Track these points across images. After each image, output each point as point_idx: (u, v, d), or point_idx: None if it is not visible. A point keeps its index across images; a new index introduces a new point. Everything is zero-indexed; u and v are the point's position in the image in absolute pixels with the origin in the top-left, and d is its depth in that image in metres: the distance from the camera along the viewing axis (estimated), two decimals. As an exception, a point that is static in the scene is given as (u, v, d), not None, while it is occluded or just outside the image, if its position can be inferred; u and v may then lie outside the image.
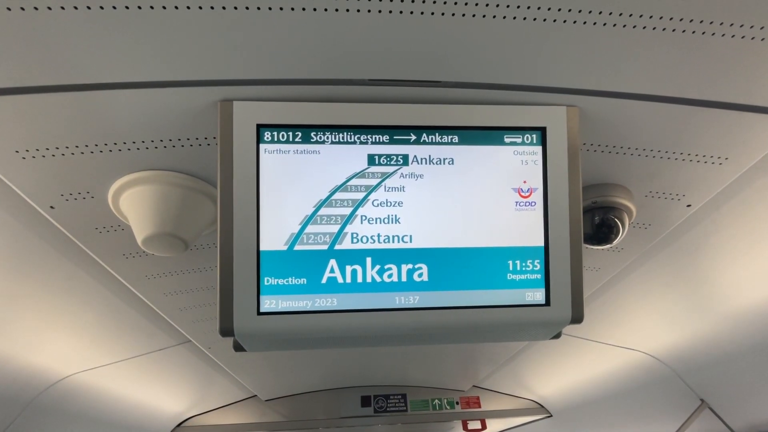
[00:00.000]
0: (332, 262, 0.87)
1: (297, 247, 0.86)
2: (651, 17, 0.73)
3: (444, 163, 0.89)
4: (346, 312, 0.87)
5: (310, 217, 0.87)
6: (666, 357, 1.98)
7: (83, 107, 0.82)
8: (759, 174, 1.07)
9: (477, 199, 0.90)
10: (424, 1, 0.70)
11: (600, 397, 2.54)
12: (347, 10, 0.71)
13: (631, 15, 0.73)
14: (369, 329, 0.89)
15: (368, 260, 0.88)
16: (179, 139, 0.92)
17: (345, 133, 0.87)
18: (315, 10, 0.70)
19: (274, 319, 0.86)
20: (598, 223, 1.10)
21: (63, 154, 0.89)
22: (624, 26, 0.75)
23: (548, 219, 0.91)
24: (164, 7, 0.68)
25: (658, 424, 2.39)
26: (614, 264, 1.42)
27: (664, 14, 0.73)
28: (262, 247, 0.85)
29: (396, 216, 0.89)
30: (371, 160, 0.88)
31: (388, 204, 0.88)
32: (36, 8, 0.66)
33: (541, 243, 0.91)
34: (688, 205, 1.14)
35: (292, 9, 0.70)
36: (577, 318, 0.92)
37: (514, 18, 0.73)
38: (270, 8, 0.70)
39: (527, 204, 0.91)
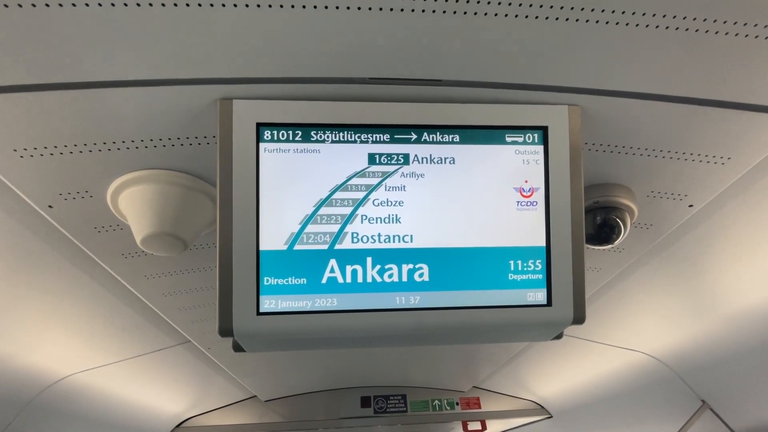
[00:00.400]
0: (332, 262, 0.86)
1: (297, 247, 0.86)
2: (654, 15, 0.73)
3: (445, 163, 0.89)
4: (347, 312, 0.87)
5: (310, 217, 0.86)
6: (667, 358, 1.98)
7: (82, 105, 0.81)
8: (761, 174, 1.06)
9: (478, 198, 0.89)
10: (425, 0, 0.70)
11: (600, 398, 2.53)
12: (348, 8, 0.70)
13: (633, 13, 0.72)
14: (369, 330, 0.88)
15: (369, 260, 0.87)
16: (178, 138, 0.91)
17: (345, 132, 0.87)
18: (315, 7, 0.70)
19: (274, 320, 0.85)
20: (600, 223, 1.10)
21: (61, 153, 0.89)
22: (627, 24, 0.74)
23: (550, 219, 0.90)
24: (163, 5, 0.68)
25: (658, 425, 2.38)
26: (615, 264, 1.41)
27: (667, 13, 0.72)
28: (261, 247, 0.85)
29: (396, 215, 0.88)
30: (372, 159, 0.87)
31: (389, 203, 0.88)
32: (33, 5, 0.65)
33: (543, 243, 0.90)
34: (690, 206, 1.14)
35: (293, 6, 0.69)
36: (578, 318, 0.91)
37: (516, 16, 0.73)
38: (270, 6, 0.69)
39: (529, 204, 0.90)
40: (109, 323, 1.60)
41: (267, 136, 0.85)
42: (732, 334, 1.66)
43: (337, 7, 0.70)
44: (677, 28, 0.74)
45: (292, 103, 0.85)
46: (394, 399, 3.01)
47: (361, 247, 0.87)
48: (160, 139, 0.91)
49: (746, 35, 0.75)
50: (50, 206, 1.00)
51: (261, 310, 0.85)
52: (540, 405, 3.05)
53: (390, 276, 0.88)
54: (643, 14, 0.73)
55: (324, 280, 0.86)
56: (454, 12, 0.72)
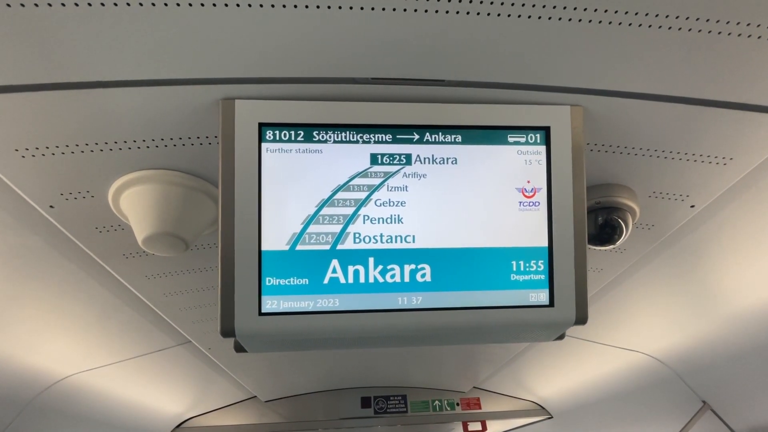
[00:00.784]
0: (334, 262, 0.86)
1: (299, 247, 0.86)
2: (656, 16, 0.73)
3: (447, 163, 0.89)
4: (349, 313, 0.86)
5: (312, 217, 0.86)
6: (668, 358, 1.98)
7: (83, 105, 0.81)
8: (763, 174, 1.06)
9: (480, 199, 0.89)
10: (427, 0, 0.70)
11: (601, 398, 2.53)
12: (350, 8, 0.70)
13: (636, 14, 0.72)
14: (371, 330, 0.88)
15: (371, 260, 0.87)
16: (180, 138, 0.91)
17: (347, 132, 0.86)
18: (318, 7, 0.70)
19: (276, 320, 0.85)
20: (602, 224, 1.09)
21: (63, 153, 0.89)
22: (629, 25, 0.74)
23: (552, 219, 0.90)
24: (166, 4, 0.67)
25: (659, 426, 2.38)
26: (617, 265, 1.41)
27: (670, 13, 0.72)
28: (263, 247, 0.85)
29: (399, 216, 0.88)
30: (374, 159, 0.87)
31: (391, 204, 0.88)
32: (36, 5, 0.65)
33: (545, 243, 0.90)
34: (692, 206, 1.14)
35: (295, 6, 0.69)
36: (581, 319, 0.91)
37: (519, 16, 0.73)
38: (273, 5, 0.69)
39: (531, 204, 0.90)
40: (109, 323, 1.60)
41: (269, 136, 0.85)
42: (733, 334, 1.66)
43: (340, 7, 0.70)
44: (680, 29, 0.74)
45: (294, 103, 0.85)
46: (395, 399, 3.01)
47: (364, 248, 0.87)
48: (162, 139, 0.91)
49: (749, 35, 0.75)
50: (51, 206, 1.00)
51: (263, 311, 0.84)
52: (540, 405, 3.04)
53: (392, 276, 0.87)
54: (646, 14, 0.72)
55: (326, 281, 0.86)
56: (457, 12, 0.72)
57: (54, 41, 0.70)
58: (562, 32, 0.75)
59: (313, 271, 0.86)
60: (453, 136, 0.89)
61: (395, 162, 0.88)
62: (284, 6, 0.69)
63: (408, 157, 0.88)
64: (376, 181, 0.87)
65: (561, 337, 1.02)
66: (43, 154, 0.88)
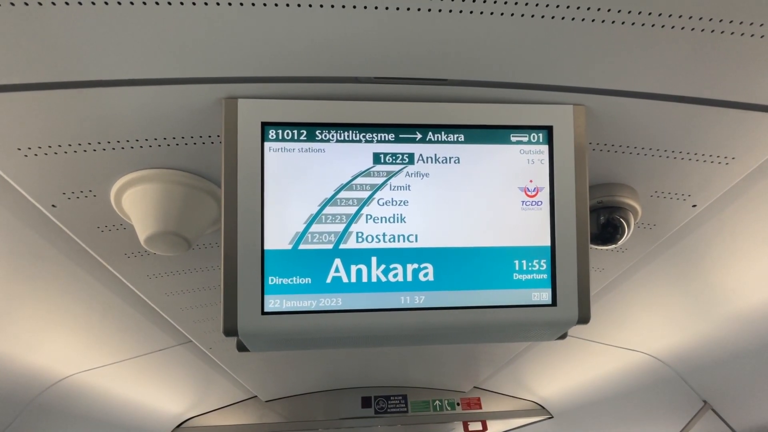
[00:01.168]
0: (337, 262, 0.86)
1: (302, 247, 0.86)
2: (660, 15, 0.73)
3: (450, 162, 0.89)
4: (351, 312, 0.86)
5: (315, 216, 0.86)
6: (669, 358, 1.98)
7: (86, 105, 0.81)
8: (765, 174, 1.06)
9: (483, 198, 0.89)
10: None
11: (602, 398, 2.53)
12: (354, 7, 0.70)
13: (639, 13, 0.72)
14: (374, 329, 0.88)
15: (373, 260, 0.87)
16: (183, 137, 0.91)
17: (350, 132, 0.86)
18: (321, 6, 0.70)
19: (279, 319, 0.85)
20: (604, 223, 1.09)
21: (65, 152, 0.89)
22: (632, 24, 0.74)
23: (555, 218, 0.90)
24: (170, 3, 0.67)
25: (660, 425, 2.38)
26: (618, 264, 1.41)
27: (673, 12, 0.72)
28: (266, 246, 0.85)
29: (401, 215, 0.88)
30: (377, 158, 0.87)
31: (394, 203, 0.88)
32: (40, 3, 0.65)
33: (548, 243, 0.90)
34: (694, 206, 1.14)
35: (299, 5, 0.69)
36: (583, 318, 0.91)
37: (522, 15, 0.73)
38: (276, 4, 0.69)
39: (533, 203, 0.90)
40: (110, 323, 1.60)
41: (272, 136, 0.85)
42: (734, 334, 1.66)
43: (344, 6, 0.70)
44: (683, 28, 0.74)
45: (297, 102, 0.85)
46: (395, 399, 3.01)
47: (366, 247, 0.87)
48: (165, 139, 0.91)
49: (752, 35, 0.75)
50: (54, 206, 1.00)
51: (265, 310, 0.84)
52: (541, 405, 3.05)
53: (395, 276, 0.87)
54: (649, 14, 0.72)
55: (329, 280, 0.86)
56: (460, 11, 0.72)
57: (57, 40, 0.70)
58: (564, 31, 0.75)
59: (315, 270, 0.86)
60: (456, 136, 0.89)
61: (398, 161, 0.88)
62: (288, 5, 0.69)
63: (411, 156, 0.88)
64: (379, 181, 0.87)
65: (563, 336, 1.02)
66: (46, 153, 0.88)
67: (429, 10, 0.71)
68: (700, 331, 1.73)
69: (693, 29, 0.74)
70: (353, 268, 0.87)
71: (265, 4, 0.69)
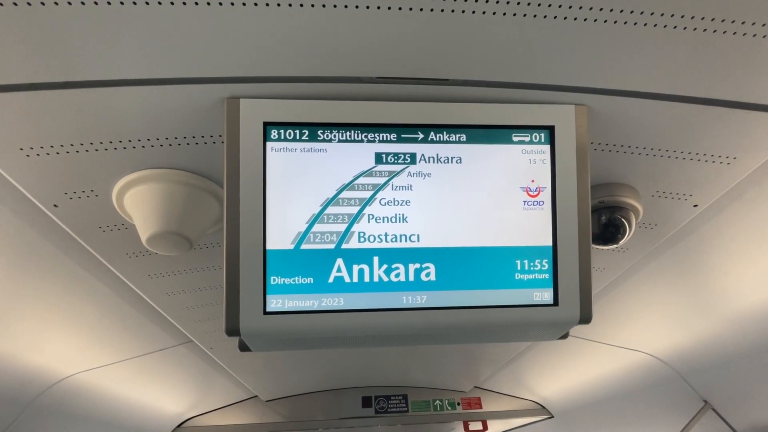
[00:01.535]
0: (339, 262, 0.86)
1: (304, 246, 0.86)
2: (662, 15, 0.73)
3: (452, 162, 0.89)
4: (353, 312, 0.86)
5: (317, 216, 0.86)
6: (669, 358, 1.98)
7: (88, 104, 0.81)
8: (766, 174, 1.06)
9: (484, 198, 0.89)
10: None
11: (602, 398, 2.53)
12: (356, 7, 0.70)
13: (642, 12, 0.72)
14: (376, 329, 0.88)
15: (375, 259, 0.87)
16: (185, 137, 0.91)
17: (352, 132, 0.87)
18: (324, 6, 0.70)
19: (281, 319, 0.85)
20: (605, 223, 1.10)
21: (67, 152, 0.89)
22: (635, 24, 0.74)
23: (556, 218, 0.90)
24: (172, 3, 0.67)
25: (660, 425, 2.38)
26: (619, 264, 1.42)
27: (675, 12, 0.72)
28: (268, 246, 0.85)
29: (403, 215, 0.88)
30: (378, 158, 0.87)
31: (396, 203, 0.88)
32: (43, 3, 0.65)
33: (550, 243, 0.90)
34: (695, 205, 1.14)
35: (301, 5, 0.69)
36: (585, 318, 0.91)
37: (524, 15, 0.73)
38: (279, 4, 0.69)
39: (535, 203, 0.90)
40: (111, 322, 1.60)
41: (274, 136, 0.85)
42: (735, 334, 1.66)
43: (346, 6, 0.70)
44: (685, 28, 0.74)
45: (299, 102, 0.85)
46: (395, 399, 3.01)
47: (368, 247, 0.87)
48: (167, 138, 0.91)
49: (754, 35, 0.75)
50: (55, 205, 1.00)
51: (268, 310, 0.85)
52: (541, 405, 3.05)
53: (397, 275, 0.88)
54: (651, 13, 0.73)
55: (331, 280, 0.86)
56: (462, 11, 0.72)
57: (59, 40, 0.70)
58: (566, 31, 0.75)
59: (317, 270, 0.86)
60: (458, 136, 0.89)
61: (400, 161, 0.88)
62: (290, 5, 0.69)
63: (413, 156, 0.88)
64: (381, 180, 0.87)
65: (565, 336, 1.02)
66: (48, 153, 0.88)
67: (431, 10, 0.71)
68: (700, 330, 1.73)
69: (695, 29, 0.74)
70: (355, 268, 0.87)
71: (267, 4, 0.69)
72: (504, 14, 0.72)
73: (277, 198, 0.85)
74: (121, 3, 0.67)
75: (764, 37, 0.75)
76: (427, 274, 0.88)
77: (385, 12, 0.71)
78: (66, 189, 0.97)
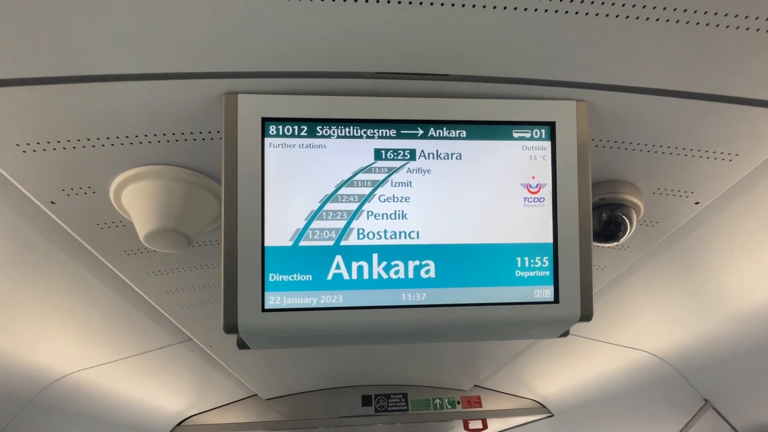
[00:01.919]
0: (338, 258, 0.86)
1: (302, 243, 0.85)
2: (664, 9, 0.72)
3: (451, 158, 0.88)
4: (352, 309, 0.86)
5: (316, 213, 0.85)
6: (670, 357, 1.97)
7: (84, 99, 0.80)
8: (769, 171, 1.05)
9: (485, 194, 0.89)
10: None
11: (602, 396, 2.53)
12: (355, 1, 0.69)
13: (644, 7, 0.72)
14: (375, 326, 0.87)
15: (374, 256, 0.87)
16: (182, 133, 0.90)
17: (351, 128, 0.86)
18: (323, 0, 0.69)
19: (279, 316, 0.84)
20: (606, 220, 1.09)
21: (64, 148, 0.88)
22: (636, 18, 0.73)
23: (557, 215, 0.89)
24: (169, -3, 0.67)
25: (661, 424, 2.37)
26: (619, 262, 1.41)
27: (678, 6, 0.72)
28: (266, 243, 0.84)
29: (403, 212, 0.87)
30: (378, 154, 0.87)
31: (395, 199, 0.87)
32: None
33: (550, 240, 0.90)
34: (697, 203, 1.13)
35: (299, -1, 0.69)
36: (586, 316, 0.90)
37: (525, 9, 0.72)
38: (277, -2, 0.68)
39: (536, 200, 0.90)
40: (110, 321, 1.59)
41: (272, 131, 0.84)
42: (736, 332, 1.66)
43: (345, 0, 0.69)
44: (687, 22, 0.74)
45: (297, 97, 0.84)
46: (395, 398, 3.00)
47: (367, 244, 0.86)
48: (164, 134, 0.90)
49: (757, 29, 0.74)
50: (52, 202, 0.99)
51: (266, 307, 0.84)
52: (541, 404, 3.04)
53: (396, 273, 0.87)
54: (654, 8, 0.72)
55: (329, 277, 0.86)
56: (462, 5, 0.71)
57: (55, 34, 0.69)
58: (567, 26, 0.75)
59: (316, 267, 0.85)
60: (458, 132, 0.88)
61: (399, 157, 0.87)
62: (288, 0, 0.69)
63: (412, 152, 0.87)
64: (380, 177, 0.87)
65: (565, 333, 1.02)
66: (44, 149, 0.87)
67: (431, 3, 0.70)
68: (701, 329, 1.72)
69: (698, 23, 0.74)
70: (354, 265, 0.86)
71: None
72: (504, 8, 0.72)
73: (276, 194, 0.84)
74: None
75: (767, 31, 0.75)
76: (427, 272, 0.88)
77: (384, 6, 0.70)
78: (63, 185, 0.96)
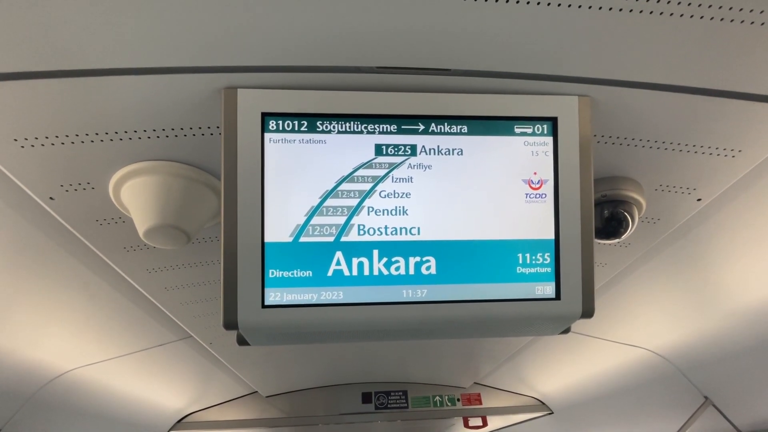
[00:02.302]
0: (338, 255, 0.85)
1: (302, 239, 0.85)
2: (668, 2, 0.71)
3: (453, 154, 0.87)
4: (353, 305, 0.85)
5: (316, 209, 0.85)
6: (670, 354, 1.97)
7: (83, 94, 0.80)
8: (772, 167, 1.05)
9: (486, 190, 0.88)
10: None
11: (602, 394, 2.53)
12: None
13: (647, 0, 0.71)
14: (375, 323, 0.87)
15: (375, 253, 0.86)
16: (182, 129, 0.90)
17: (352, 123, 0.85)
18: (323, -7, 0.68)
19: (279, 312, 0.84)
20: (608, 217, 1.08)
21: (63, 143, 0.87)
22: (641, 12, 0.72)
23: (559, 211, 0.89)
24: (167, -11, 0.66)
25: (661, 421, 2.38)
26: (620, 259, 1.40)
27: (682, 0, 0.71)
28: (266, 239, 0.84)
29: (404, 207, 0.87)
30: (378, 150, 0.86)
31: (396, 195, 0.87)
32: None
33: (552, 236, 0.89)
34: (699, 199, 1.13)
35: (300, -8, 0.68)
36: (587, 312, 0.90)
37: (528, 3, 0.71)
38: (277, -9, 0.68)
39: (537, 196, 0.89)
40: (110, 318, 1.59)
41: (272, 126, 0.84)
42: (737, 330, 1.66)
43: None
44: (692, 16, 0.73)
45: (298, 92, 0.83)
46: (395, 395, 3.01)
47: (368, 240, 0.86)
48: (163, 130, 0.89)
49: (762, 23, 0.74)
50: (51, 198, 0.99)
51: (266, 303, 0.84)
52: (541, 401, 3.05)
53: (397, 269, 0.87)
54: (658, 1, 0.71)
55: (330, 273, 0.85)
56: (464, 0, 0.70)
57: (52, 27, 0.69)
58: (570, 20, 0.74)
59: (316, 263, 0.85)
60: (459, 127, 0.87)
61: (400, 153, 0.86)
62: None
63: (413, 147, 0.87)
64: (381, 172, 0.86)
65: (566, 330, 1.01)
66: (42, 144, 0.87)
67: None
68: (702, 326, 1.72)
69: (702, 17, 0.73)
70: (355, 261, 0.86)
71: None
72: (507, 2, 0.71)
73: (276, 190, 0.84)
74: None
75: None
76: (428, 268, 0.87)
77: (385, 0, 0.70)
78: (62, 181, 0.95)
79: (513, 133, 0.88)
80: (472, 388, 3.07)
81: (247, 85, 0.82)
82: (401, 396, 3.01)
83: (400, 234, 0.87)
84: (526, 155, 0.89)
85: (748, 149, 0.98)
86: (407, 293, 0.87)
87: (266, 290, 0.84)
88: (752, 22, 0.73)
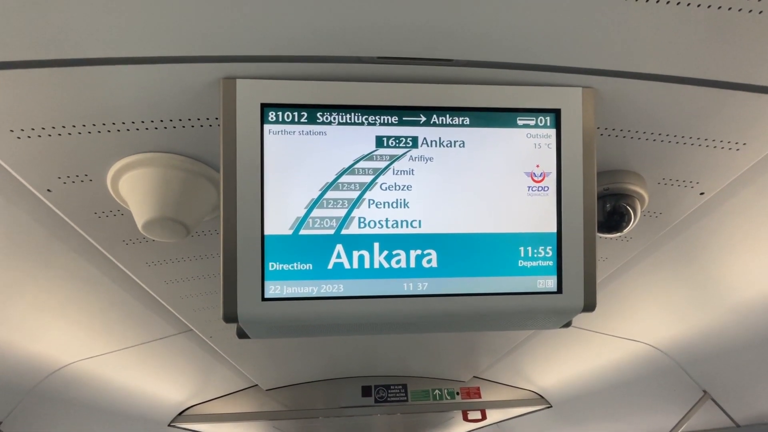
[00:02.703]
0: (339, 247, 0.85)
1: (302, 232, 0.84)
2: None
3: (454, 146, 0.86)
4: (353, 299, 0.85)
5: (316, 201, 0.84)
6: (669, 348, 1.97)
7: (80, 84, 0.78)
8: (775, 161, 1.04)
9: (488, 183, 0.87)
10: None
11: (601, 388, 2.54)
12: None
13: None
14: (376, 316, 0.87)
15: (376, 245, 0.85)
16: (180, 120, 0.89)
17: (352, 114, 0.84)
18: (323, -20, 0.67)
19: (279, 305, 0.83)
20: (610, 211, 1.08)
21: (60, 134, 0.86)
22: (647, 1, 0.71)
23: (561, 204, 0.88)
24: (165, -24, 0.65)
25: (659, 415, 2.39)
26: (622, 254, 1.40)
27: None
28: (266, 232, 0.83)
29: (404, 200, 0.86)
30: (379, 142, 0.85)
31: (397, 188, 0.86)
32: None
33: (554, 229, 0.89)
34: (701, 193, 1.12)
35: (300, -21, 0.67)
36: (589, 306, 0.90)
37: None
38: (276, -22, 0.66)
39: (540, 189, 0.88)
40: (110, 311, 1.59)
41: (272, 118, 0.83)
42: (736, 324, 1.66)
43: None
44: (699, 5, 0.72)
45: (297, 83, 0.82)
46: (395, 388, 3.02)
47: (368, 233, 0.85)
48: (161, 121, 0.88)
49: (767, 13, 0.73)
50: (49, 190, 0.98)
51: (266, 296, 0.83)
52: (540, 395, 3.06)
53: (398, 262, 0.86)
54: None
55: (330, 266, 0.84)
56: None
57: (49, 16, 0.67)
58: (574, 10, 0.73)
59: (317, 256, 0.84)
60: (461, 119, 0.86)
61: (401, 145, 0.85)
62: None
63: (414, 139, 0.86)
64: (382, 165, 0.85)
65: (567, 324, 1.01)
66: (39, 135, 0.85)
67: None
68: (701, 321, 1.72)
69: (709, 6, 0.72)
70: (355, 254, 0.85)
71: None
72: None
73: (275, 182, 0.83)
74: None
75: None
76: (429, 261, 0.87)
77: None
78: (59, 173, 0.94)
79: (515, 125, 0.87)
80: (471, 381, 3.08)
81: (246, 76, 0.81)
82: (401, 389, 3.02)
83: (401, 227, 0.86)
84: (529, 147, 0.88)
85: (752, 142, 0.97)
86: (408, 286, 0.86)
87: (266, 283, 0.83)
88: (761, 12, 0.72)
